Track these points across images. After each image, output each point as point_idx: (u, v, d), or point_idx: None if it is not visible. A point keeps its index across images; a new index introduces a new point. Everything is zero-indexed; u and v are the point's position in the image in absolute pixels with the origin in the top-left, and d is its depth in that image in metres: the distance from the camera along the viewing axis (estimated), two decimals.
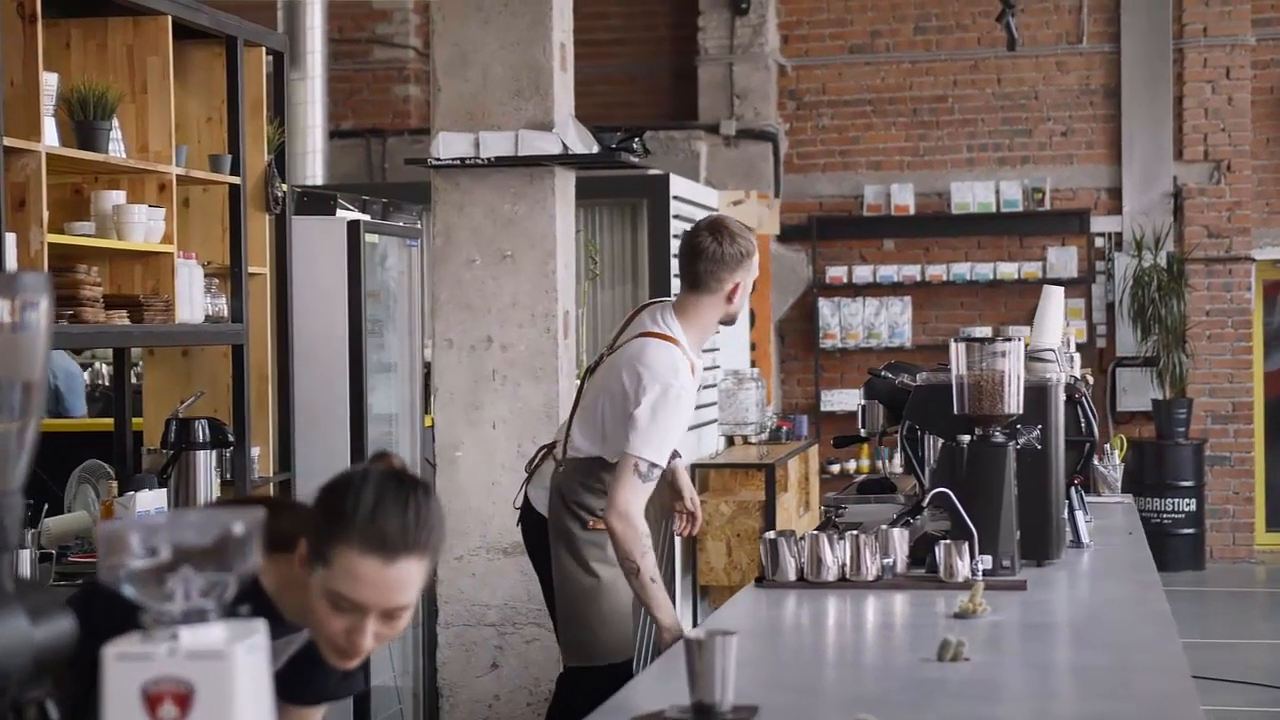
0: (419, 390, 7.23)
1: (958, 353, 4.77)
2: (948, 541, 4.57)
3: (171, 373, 6.10)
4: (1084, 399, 5.41)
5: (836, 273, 13.90)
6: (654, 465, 4.81)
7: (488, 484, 6.66)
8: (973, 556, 4.57)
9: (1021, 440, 4.85)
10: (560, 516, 5.04)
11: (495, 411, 6.65)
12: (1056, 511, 4.95)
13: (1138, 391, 13.54)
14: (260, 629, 1.94)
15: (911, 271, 13.78)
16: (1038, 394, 4.91)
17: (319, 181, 11.40)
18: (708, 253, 4.97)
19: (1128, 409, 13.64)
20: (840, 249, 14.02)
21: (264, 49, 6.23)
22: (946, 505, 4.66)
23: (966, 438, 4.74)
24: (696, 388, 5.01)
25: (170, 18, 5.47)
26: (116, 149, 5.24)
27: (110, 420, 6.08)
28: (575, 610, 5.06)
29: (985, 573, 4.59)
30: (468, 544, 6.71)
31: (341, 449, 6.60)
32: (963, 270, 13.72)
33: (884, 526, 4.72)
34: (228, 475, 5.92)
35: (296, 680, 2.97)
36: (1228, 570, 13.38)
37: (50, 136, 4.93)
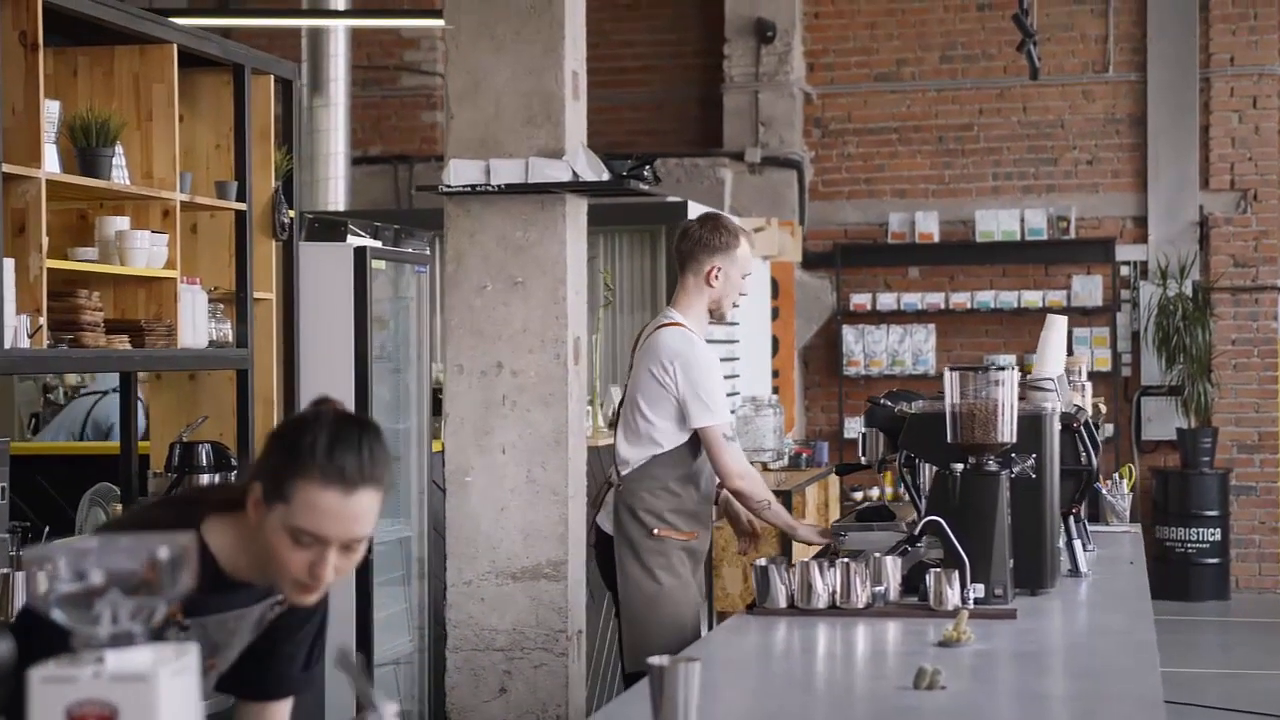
0: (426, 415, 7.26)
1: (951, 381, 4.78)
2: (938, 570, 4.57)
3: (178, 397, 6.14)
4: (1082, 428, 5.40)
5: (861, 300, 13.90)
6: (730, 424, 5.37)
7: (497, 509, 6.67)
8: (964, 585, 4.57)
9: (1016, 469, 4.85)
10: (626, 526, 5.45)
11: (505, 437, 6.66)
12: (1051, 540, 4.95)
13: (1162, 420, 13.49)
14: (190, 652, 1.96)
15: (936, 299, 13.77)
16: (1032, 423, 4.92)
17: (341, 207, 11.47)
18: (691, 235, 5.59)
19: (1152, 438, 13.59)
20: (865, 276, 14.02)
21: (273, 77, 6.28)
22: (938, 533, 4.67)
23: (960, 466, 4.75)
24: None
25: (176, 46, 5.52)
26: (120, 175, 5.29)
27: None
28: (637, 616, 5.43)
29: (977, 601, 4.60)
30: (477, 569, 6.71)
31: None
32: (987, 298, 13.70)
33: (877, 554, 4.73)
34: None
35: (258, 677, 3.04)
36: (1254, 600, 13.31)
37: (51, 163, 4.98)
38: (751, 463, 10.66)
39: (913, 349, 13.83)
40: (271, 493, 2.77)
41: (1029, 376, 5.56)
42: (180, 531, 2.86)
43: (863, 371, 13.85)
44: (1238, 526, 13.45)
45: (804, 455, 11.52)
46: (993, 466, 4.76)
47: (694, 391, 5.33)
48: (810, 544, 5.35)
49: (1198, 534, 13.14)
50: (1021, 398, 5.39)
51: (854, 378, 13.83)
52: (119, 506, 5.82)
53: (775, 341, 13.32)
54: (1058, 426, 5.06)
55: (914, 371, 13.74)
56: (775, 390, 13.05)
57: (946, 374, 4.81)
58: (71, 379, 8.88)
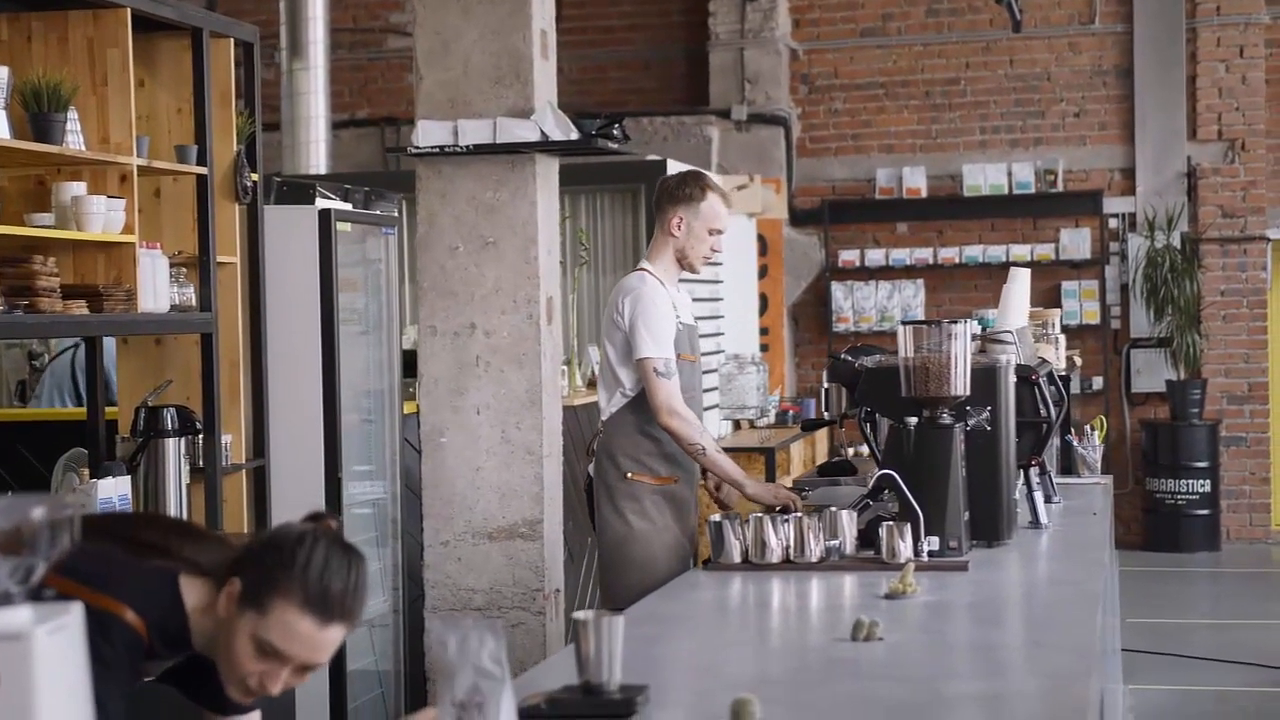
0: (397, 377, 7.28)
1: (904, 336, 4.79)
2: (890, 523, 4.59)
3: (144, 362, 6.15)
4: (1042, 380, 5.41)
5: (849, 256, 13.89)
6: (666, 360, 5.45)
7: (472, 470, 6.68)
8: (916, 538, 4.59)
9: (971, 422, 4.87)
10: (603, 470, 5.63)
11: (479, 398, 6.67)
12: (1007, 493, 4.96)
13: (1152, 372, 13.50)
14: (73, 611, 1.98)
15: (924, 254, 13.77)
16: (987, 375, 4.92)
17: (322, 170, 11.46)
18: (661, 187, 5.80)
19: (1142, 390, 13.60)
20: (853, 233, 14.01)
21: (232, 40, 6.27)
22: (893, 487, 4.68)
23: (913, 420, 4.76)
24: (673, 305, 5.60)
25: (129, 10, 5.51)
26: (75, 141, 5.28)
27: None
28: (610, 557, 5.60)
29: (931, 554, 4.61)
30: (453, 529, 6.73)
31: (315, 436, 6.67)
32: (975, 253, 13.70)
33: (833, 509, 4.74)
34: (199, 462, 5.97)
35: (218, 691, 3.02)
36: (1244, 551, 13.33)
37: (1, 129, 4.98)
38: (739, 421, 10.78)
39: (901, 304, 13.83)
40: (250, 597, 2.80)
41: (989, 330, 5.57)
42: (157, 581, 2.85)
43: (852, 328, 13.85)
44: (1228, 478, 13.46)
45: (791, 413, 11.54)
46: (946, 419, 4.77)
47: (636, 323, 5.49)
48: (760, 501, 5.37)
49: (1188, 485, 13.15)
50: (981, 350, 5.42)
51: (844, 334, 13.83)
52: (86, 471, 5.83)
53: (764, 299, 13.32)
54: (1013, 379, 5.06)
55: None
56: (764, 348, 13.06)
57: (899, 328, 4.82)
58: (55, 344, 8.89)
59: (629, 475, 5.60)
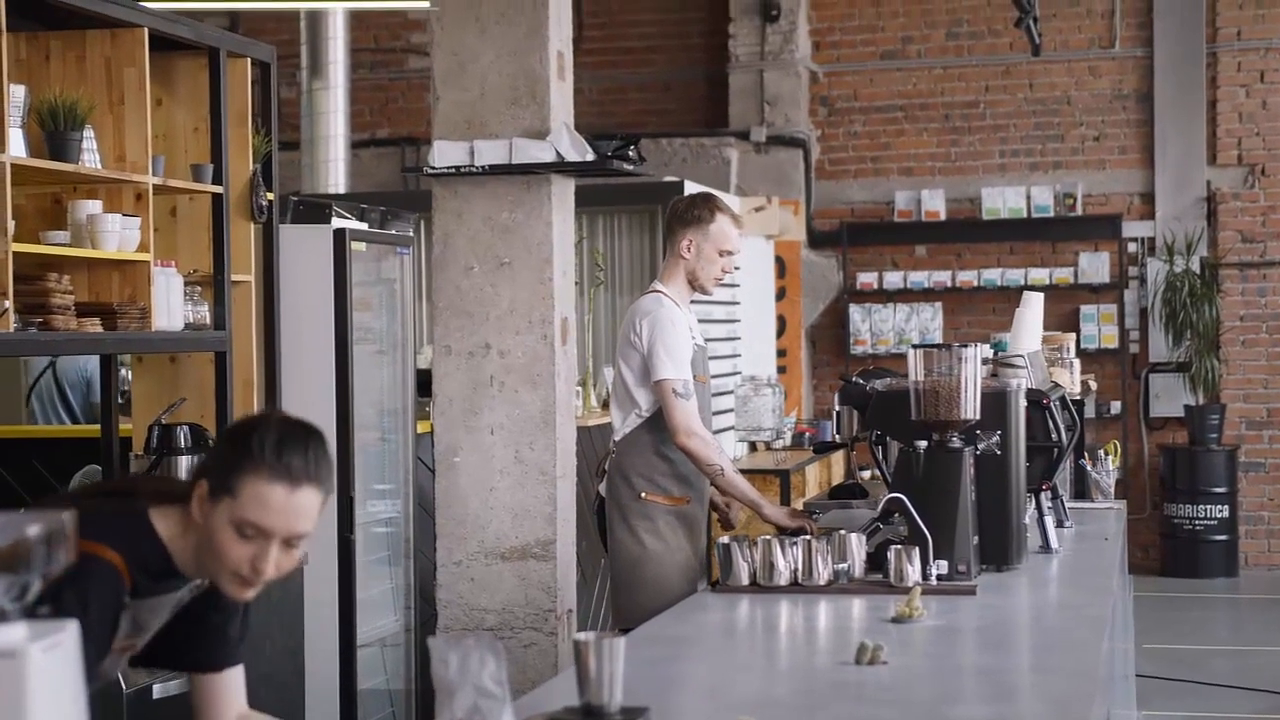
0: (411, 396, 7.29)
1: (915, 359, 4.79)
2: (899, 546, 4.59)
3: (159, 380, 6.18)
4: (1054, 405, 5.40)
5: (867, 279, 13.89)
6: (685, 382, 5.49)
7: (486, 490, 6.69)
8: (925, 562, 4.58)
9: (980, 446, 4.87)
10: (616, 489, 5.66)
11: (493, 418, 6.67)
12: (1017, 517, 4.95)
13: (1170, 397, 13.47)
14: (68, 629, 1.98)
15: (943, 277, 13.76)
16: (998, 400, 4.92)
17: (341, 190, 11.49)
18: (672, 210, 5.87)
19: (1161, 415, 13.56)
20: (871, 255, 14.01)
21: (249, 60, 6.30)
22: (901, 510, 4.68)
23: (923, 443, 4.76)
24: (688, 325, 5.67)
25: (147, 30, 5.54)
26: (91, 159, 5.31)
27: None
28: (623, 577, 5.64)
29: (940, 578, 4.61)
30: (466, 549, 6.74)
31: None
32: (994, 276, 13.69)
33: (843, 532, 4.74)
34: None
35: (197, 647, 3.17)
36: (1262, 577, 13.28)
37: (17, 147, 5.00)
38: (756, 443, 10.77)
39: (919, 327, 13.82)
40: (218, 488, 2.91)
41: (1001, 354, 5.57)
42: (128, 519, 2.95)
43: (870, 350, 13.84)
44: (1246, 503, 13.42)
45: (808, 435, 11.52)
46: (956, 443, 4.77)
47: (654, 346, 5.53)
48: (777, 524, 5.38)
49: (1206, 511, 13.11)
50: (993, 375, 5.41)
51: (861, 357, 13.81)
52: None
53: (782, 321, 13.33)
54: (1024, 403, 5.05)
55: None
56: (782, 370, 13.06)
57: (910, 352, 4.82)
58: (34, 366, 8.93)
59: (643, 495, 5.63)
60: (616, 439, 5.75)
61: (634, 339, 5.62)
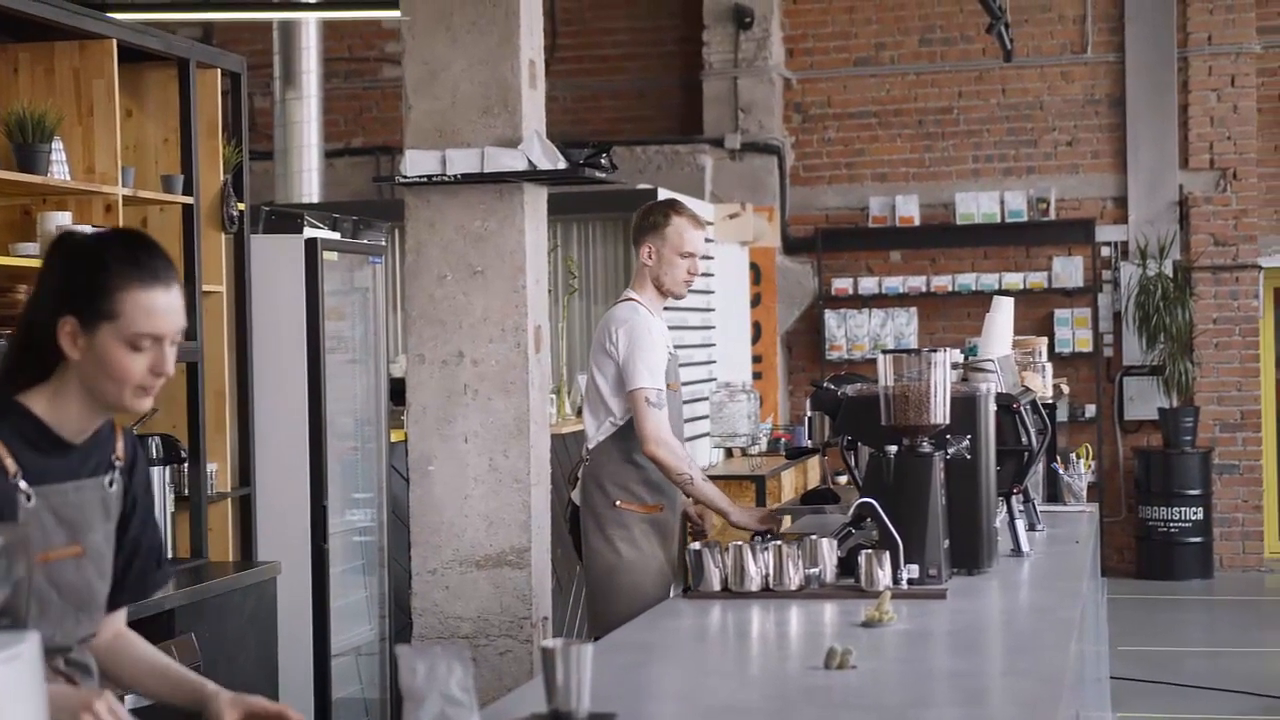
0: (384, 405, 7.29)
1: (884, 364, 4.81)
2: (869, 551, 4.60)
3: None
4: (1024, 409, 5.42)
5: (842, 284, 13.92)
6: (659, 391, 5.53)
7: (460, 498, 6.69)
8: (895, 566, 4.60)
9: (950, 450, 4.88)
10: (591, 497, 5.71)
11: (467, 426, 6.68)
12: (987, 521, 4.97)
13: (1145, 400, 13.52)
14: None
15: (917, 283, 13.79)
16: (967, 404, 4.94)
17: (315, 199, 11.48)
18: (634, 219, 5.95)
19: (1135, 418, 13.62)
20: (846, 261, 14.04)
21: (219, 70, 6.30)
22: (872, 515, 4.70)
23: (893, 448, 4.77)
24: (662, 333, 5.74)
25: (115, 41, 5.54)
26: (61, 171, 5.31)
27: None
28: (599, 586, 5.69)
29: (911, 582, 4.62)
30: (441, 557, 6.74)
31: (301, 464, 6.68)
32: (968, 281, 13.73)
33: (813, 536, 4.75)
34: (184, 491, 5.99)
35: (131, 580, 3.17)
36: (1236, 579, 13.32)
37: None
38: (731, 449, 10.79)
39: (895, 332, 13.85)
40: (91, 316, 2.90)
41: (971, 359, 5.59)
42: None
43: (845, 355, 13.86)
44: (1220, 505, 13.47)
45: (783, 440, 11.55)
46: (926, 448, 4.78)
47: (631, 354, 5.57)
48: (746, 529, 5.41)
49: (1180, 513, 13.16)
50: (963, 379, 5.43)
51: (836, 362, 13.84)
52: None
53: (757, 327, 13.35)
54: (993, 407, 5.07)
55: None
56: (758, 376, 13.08)
57: (879, 356, 4.84)
58: None
59: (617, 504, 5.67)
60: (590, 446, 5.78)
61: (609, 347, 5.65)
